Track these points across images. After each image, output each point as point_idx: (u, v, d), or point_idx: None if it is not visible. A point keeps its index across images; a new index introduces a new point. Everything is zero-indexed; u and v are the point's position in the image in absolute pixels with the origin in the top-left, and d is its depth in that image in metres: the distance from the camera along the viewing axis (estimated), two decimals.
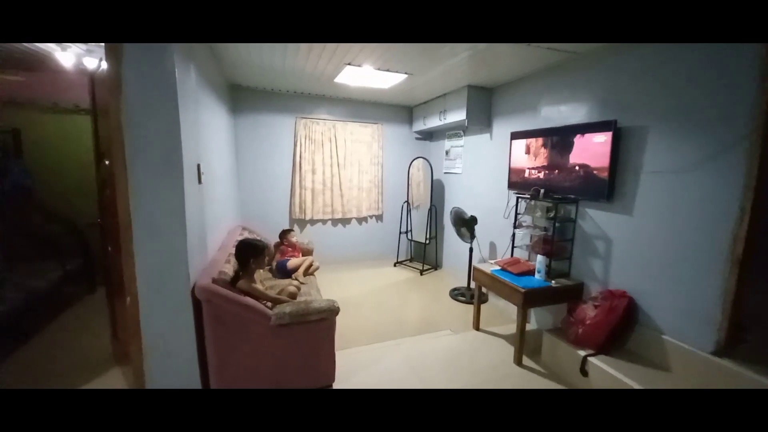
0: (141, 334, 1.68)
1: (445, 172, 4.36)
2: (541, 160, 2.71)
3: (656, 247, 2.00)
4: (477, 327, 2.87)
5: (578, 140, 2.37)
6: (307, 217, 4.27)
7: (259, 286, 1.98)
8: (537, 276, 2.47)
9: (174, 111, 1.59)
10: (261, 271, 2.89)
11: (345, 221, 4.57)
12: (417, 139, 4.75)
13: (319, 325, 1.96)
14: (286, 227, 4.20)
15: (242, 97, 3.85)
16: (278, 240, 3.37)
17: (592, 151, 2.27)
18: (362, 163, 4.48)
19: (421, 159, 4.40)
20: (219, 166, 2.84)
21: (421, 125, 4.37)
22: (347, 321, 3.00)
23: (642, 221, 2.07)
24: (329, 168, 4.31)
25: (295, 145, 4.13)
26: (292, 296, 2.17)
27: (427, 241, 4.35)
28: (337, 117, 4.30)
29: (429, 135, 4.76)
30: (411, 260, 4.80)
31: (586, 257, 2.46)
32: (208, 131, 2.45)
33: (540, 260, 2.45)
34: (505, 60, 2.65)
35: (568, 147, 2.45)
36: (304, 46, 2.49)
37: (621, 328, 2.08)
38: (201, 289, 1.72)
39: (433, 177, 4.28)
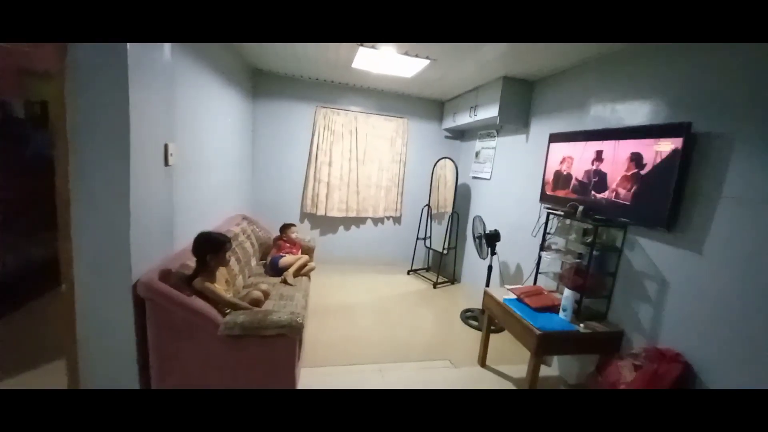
0: (76, 326, 1.52)
1: (473, 176, 3.87)
2: (585, 169, 2.17)
3: (732, 302, 1.43)
4: (483, 363, 2.41)
5: (635, 147, 1.82)
6: (319, 213, 4.04)
7: (217, 286, 1.74)
8: (561, 314, 1.97)
9: (123, 86, 1.38)
10: (238, 267, 2.69)
11: (359, 221, 4.28)
12: (447, 137, 4.30)
13: (276, 342, 1.67)
14: (297, 220, 4.03)
15: (263, 82, 3.69)
16: (278, 234, 3.16)
17: (652, 162, 1.72)
18: (383, 159, 4.14)
19: (446, 159, 3.95)
20: (219, 150, 2.68)
21: (450, 122, 3.93)
22: (336, 330, 2.72)
23: (715, 263, 1.50)
24: (347, 162, 4.03)
25: (312, 134, 3.91)
26: (256, 302, 1.90)
27: (445, 251, 3.90)
28: (360, 108, 4.00)
29: (460, 134, 4.29)
30: (428, 270, 4.38)
31: (630, 299, 1.90)
32: (202, 113, 2.28)
33: (567, 295, 1.94)
34: (549, 47, 2.15)
35: (621, 155, 1.91)
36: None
37: None
38: (143, 285, 1.51)
39: (458, 181, 3.81)
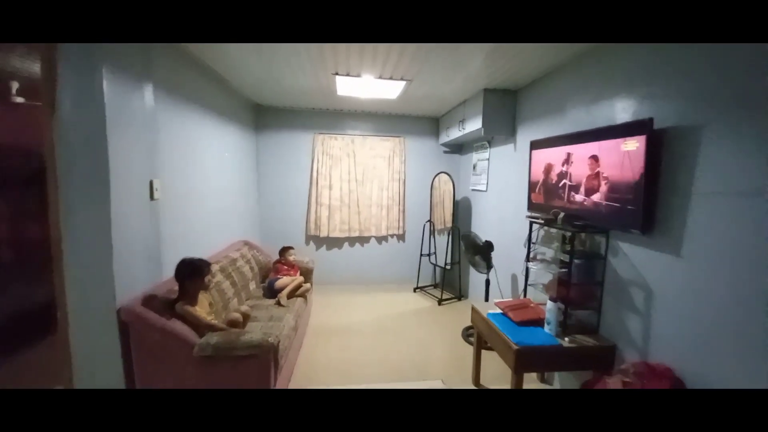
0: (70, 349, 1.67)
1: (472, 189, 3.83)
2: (560, 175, 2.10)
3: (718, 307, 1.29)
4: (476, 382, 2.30)
5: (603, 148, 1.75)
6: (323, 234, 4.15)
7: (198, 309, 1.84)
8: (546, 328, 1.87)
9: (101, 134, 1.58)
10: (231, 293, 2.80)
11: (363, 240, 4.33)
12: (445, 152, 4.32)
13: (248, 363, 1.72)
14: (302, 243, 4.16)
15: (264, 116, 3.96)
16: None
17: (620, 162, 1.64)
18: (382, 178, 4.22)
19: (443, 174, 3.95)
20: (216, 182, 2.88)
21: (445, 137, 3.95)
22: (333, 351, 2.74)
23: (696, 265, 1.38)
24: (347, 184, 4.14)
25: (312, 160, 4.09)
26: (233, 324, 1.98)
27: (448, 266, 3.82)
28: (357, 131, 4.14)
29: (458, 148, 4.29)
30: (435, 286, 4.29)
31: (620, 310, 1.77)
32: (193, 149, 2.49)
33: (550, 308, 1.85)
34: (524, 51, 2.11)
35: (593, 157, 1.84)
36: (282, 56, 2.37)
37: None
38: (125, 310, 1.65)
39: (456, 194, 3.79)
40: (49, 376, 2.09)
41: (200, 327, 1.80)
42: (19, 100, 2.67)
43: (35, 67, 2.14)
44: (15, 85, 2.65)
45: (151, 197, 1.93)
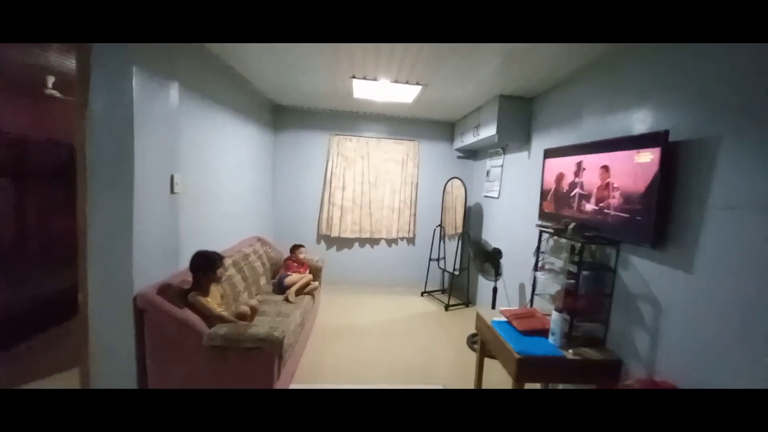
0: (89, 334, 1.76)
1: (484, 195, 3.81)
2: (573, 185, 2.08)
3: (730, 326, 1.26)
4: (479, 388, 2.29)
5: (615, 159, 1.73)
6: (334, 234, 4.21)
7: (209, 300, 1.91)
8: (550, 339, 1.85)
9: (129, 127, 1.67)
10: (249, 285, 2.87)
11: (373, 241, 4.37)
12: (459, 157, 4.31)
13: (255, 355, 1.78)
14: (314, 242, 4.23)
15: (283, 116, 4.06)
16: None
17: (633, 174, 1.61)
18: (395, 181, 4.25)
19: (456, 179, 3.94)
20: (234, 179, 2.98)
21: (459, 142, 3.95)
22: (339, 351, 2.78)
23: (708, 282, 1.34)
24: (360, 185, 4.19)
25: (327, 161, 4.16)
26: (242, 317, 2.04)
27: (456, 272, 3.81)
28: (372, 133, 4.19)
29: (473, 153, 4.28)
30: (443, 291, 4.28)
31: (628, 324, 1.74)
32: (215, 147, 2.58)
33: (555, 318, 1.82)
34: (539, 56, 2.10)
35: (604, 167, 1.81)
36: (300, 58, 2.44)
37: None
38: (141, 297, 1.73)
39: (468, 200, 3.77)
40: (69, 355, 2.23)
41: (210, 317, 1.87)
42: (55, 93, 2.85)
43: (70, 64, 2.28)
44: (51, 79, 2.83)
45: (172, 191, 2.02)
